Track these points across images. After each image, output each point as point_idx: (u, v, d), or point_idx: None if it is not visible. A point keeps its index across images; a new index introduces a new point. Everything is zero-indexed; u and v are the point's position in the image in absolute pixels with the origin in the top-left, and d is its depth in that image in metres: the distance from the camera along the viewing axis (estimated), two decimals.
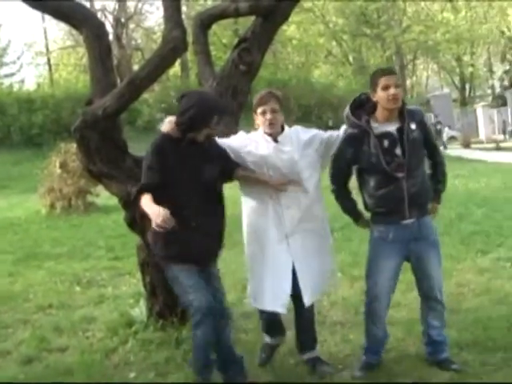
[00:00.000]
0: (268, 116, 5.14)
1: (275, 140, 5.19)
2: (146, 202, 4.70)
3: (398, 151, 5.01)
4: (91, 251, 11.17)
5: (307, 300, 5.28)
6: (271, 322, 5.63)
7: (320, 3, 47.25)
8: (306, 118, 36.64)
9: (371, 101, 5.10)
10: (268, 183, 5.16)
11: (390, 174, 4.99)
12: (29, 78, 78.43)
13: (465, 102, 61.79)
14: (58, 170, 16.78)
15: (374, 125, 5.07)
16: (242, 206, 5.45)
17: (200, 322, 4.85)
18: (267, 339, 5.68)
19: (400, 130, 5.03)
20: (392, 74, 5.06)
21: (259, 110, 5.19)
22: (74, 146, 14.52)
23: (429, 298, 5.31)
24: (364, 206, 5.29)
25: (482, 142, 45.10)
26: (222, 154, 5.11)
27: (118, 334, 6.50)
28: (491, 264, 8.48)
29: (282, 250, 5.25)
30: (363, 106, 5.18)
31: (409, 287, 7.26)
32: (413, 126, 5.04)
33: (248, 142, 5.26)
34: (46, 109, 31.72)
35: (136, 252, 6.61)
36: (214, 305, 4.90)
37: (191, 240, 4.85)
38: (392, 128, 5.04)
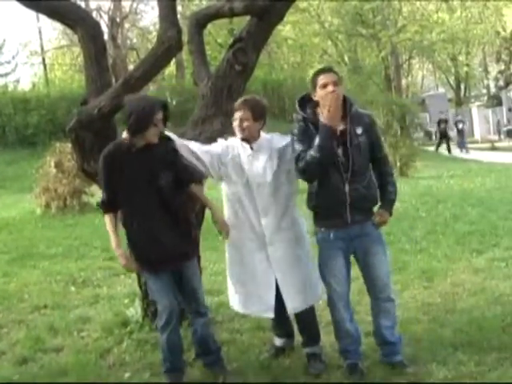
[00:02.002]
0: (237, 122, 5.30)
1: (251, 147, 5.33)
2: (112, 237, 5.04)
3: (340, 152, 4.95)
4: (86, 251, 11.15)
5: (290, 309, 5.42)
6: (277, 321, 5.73)
7: (315, 3, 47.13)
8: None
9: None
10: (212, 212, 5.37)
11: (338, 170, 4.94)
12: (24, 77, 78.41)
13: (460, 101, 61.84)
14: (53, 170, 16.72)
15: (321, 117, 4.98)
16: (224, 213, 5.55)
17: (164, 326, 5.12)
18: (275, 340, 5.82)
19: (343, 133, 4.95)
20: (330, 72, 5.03)
21: (234, 116, 5.35)
22: (69, 146, 14.51)
23: (377, 297, 5.27)
24: (307, 205, 5.25)
25: (477, 142, 45.13)
26: (177, 162, 5.15)
27: (113, 334, 6.51)
28: (486, 264, 8.49)
29: (262, 259, 5.36)
30: (310, 103, 5.14)
31: (404, 287, 7.29)
32: (358, 131, 4.98)
33: (230, 150, 5.39)
34: (41, 108, 31.59)
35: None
36: (176, 310, 5.14)
37: (150, 244, 5.01)
38: (337, 127, 4.95)
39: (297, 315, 5.56)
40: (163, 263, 5.05)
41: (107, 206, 5.07)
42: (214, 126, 6.11)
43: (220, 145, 5.46)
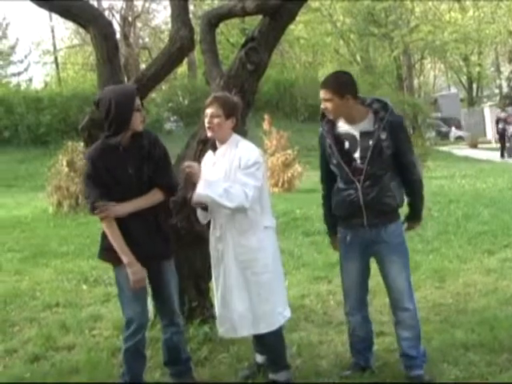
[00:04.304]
0: (207, 119, 5.02)
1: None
2: (123, 247, 4.72)
3: (357, 155, 4.88)
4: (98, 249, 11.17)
5: (239, 332, 5.10)
6: (257, 336, 5.29)
7: (327, 3, 47.13)
8: (312, 117, 36.63)
9: None
10: None
11: (348, 176, 4.91)
12: (36, 76, 78.69)
13: (472, 101, 61.69)
14: (65, 169, 16.78)
15: (339, 123, 4.98)
16: None
17: (130, 336, 4.88)
18: (257, 357, 5.45)
19: (364, 135, 4.87)
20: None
21: (204, 114, 5.11)
22: (81, 145, 14.63)
23: (395, 306, 5.12)
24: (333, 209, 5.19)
25: (489, 142, 44.99)
26: (159, 160, 4.88)
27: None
28: (498, 264, 8.48)
29: (220, 276, 5.09)
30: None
31: (415, 287, 7.26)
32: (383, 135, 4.81)
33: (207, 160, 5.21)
34: (54, 107, 31.75)
35: None
36: (146, 322, 4.98)
37: (130, 241, 4.74)
38: (355, 130, 4.90)
39: (255, 335, 5.22)
40: (145, 261, 4.78)
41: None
42: None
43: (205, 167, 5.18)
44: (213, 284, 5.28)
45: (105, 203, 4.67)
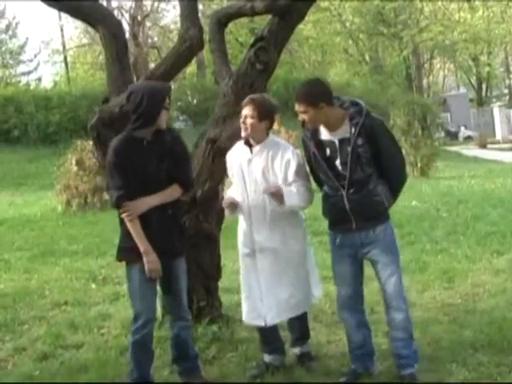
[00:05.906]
0: (241, 120, 5.21)
1: (252, 152, 5.24)
2: (142, 239, 4.80)
3: (338, 162, 4.86)
4: (107, 248, 11.15)
5: (269, 320, 5.23)
6: (265, 336, 5.49)
7: (336, 2, 47.11)
8: None
9: None
10: None
11: (333, 182, 4.90)
12: (46, 76, 78.78)
13: (481, 101, 61.49)
14: (75, 168, 16.85)
15: (321, 129, 4.96)
16: None
17: (139, 329, 4.93)
18: (265, 357, 5.51)
19: (343, 141, 4.83)
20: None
21: (240, 114, 5.27)
22: (90, 144, 14.60)
23: (388, 306, 5.09)
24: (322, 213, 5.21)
25: (498, 142, 44.86)
26: (180, 155, 5.02)
27: None
28: (507, 265, 8.44)
29: (253, 264, 5.24)
30: None
31: (424, 287, 7.26)
32: (359, 141, 4.76)
33: (234, 157, 5.39)
34: (63, 107, 31.85)
35: None
36: (154, 315, 5.05)
37: (148, 236, 4.81)
38: (335, 137, 4.87)
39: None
40: (161, 255, 4.85)
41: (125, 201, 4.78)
42: (235, 125, 6.10)
43: (228, 163, 5.46)
44: (245, 277, 5.37)
45: (129, 203, 4.77)
